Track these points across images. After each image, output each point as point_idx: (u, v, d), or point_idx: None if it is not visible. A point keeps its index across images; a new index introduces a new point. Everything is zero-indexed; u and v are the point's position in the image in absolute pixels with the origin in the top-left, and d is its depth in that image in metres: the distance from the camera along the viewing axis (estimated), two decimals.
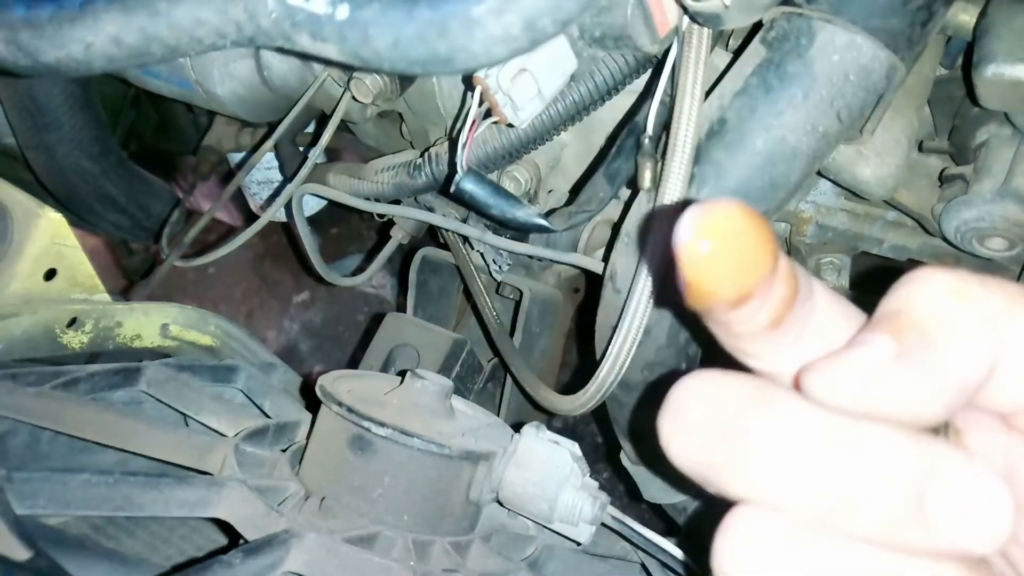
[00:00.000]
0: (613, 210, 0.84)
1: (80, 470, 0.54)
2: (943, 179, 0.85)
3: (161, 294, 1.04)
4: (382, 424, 0.60)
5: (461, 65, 0.44)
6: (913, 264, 0.94)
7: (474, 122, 0.64)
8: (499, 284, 1.08)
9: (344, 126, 1.11)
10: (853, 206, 0.98)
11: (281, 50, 0.45)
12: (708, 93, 0.66)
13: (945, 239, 0.83)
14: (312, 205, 1.39)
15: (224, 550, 0.56)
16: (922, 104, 0.82)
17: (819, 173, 0.80)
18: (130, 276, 1.49)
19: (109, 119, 1.22)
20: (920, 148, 0.87)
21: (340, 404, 0.61)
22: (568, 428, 1.56)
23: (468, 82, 0.64)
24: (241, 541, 0.57)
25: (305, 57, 0.87)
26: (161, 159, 1.47)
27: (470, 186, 0.67)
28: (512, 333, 1.04)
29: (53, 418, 0.64)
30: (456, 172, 0.68)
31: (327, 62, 0.75)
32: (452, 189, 0.68)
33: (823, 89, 0.60)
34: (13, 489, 0.50)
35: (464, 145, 0.65)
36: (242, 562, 0.51)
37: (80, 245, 0.80)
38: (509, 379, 1.10)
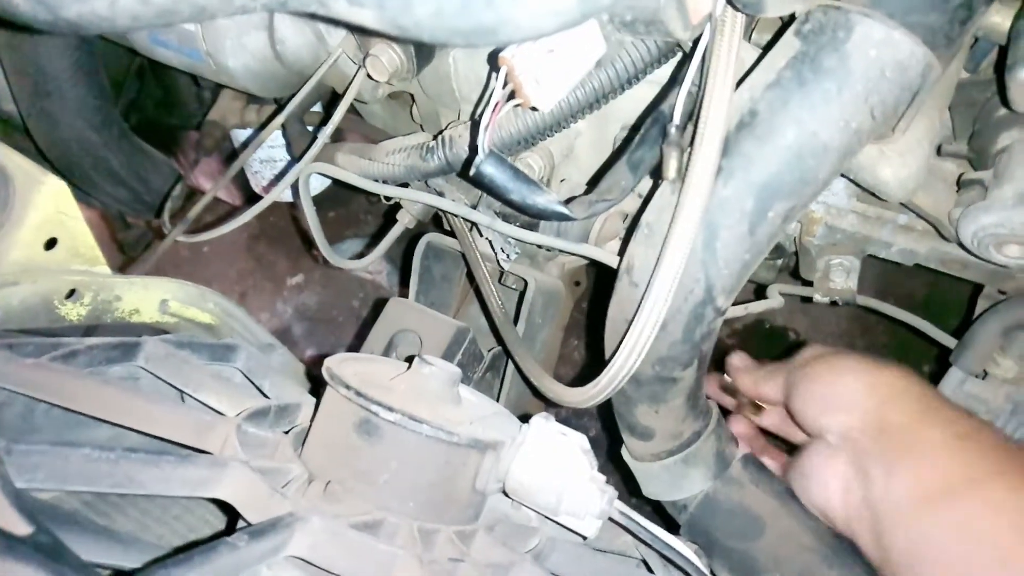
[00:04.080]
0: (627, 202, 0.82)
1: (80, 445, 0.52)
2: (961, 184, 0.84)
3: (154, 271, 1.02)
4: (391, 409, 0.58)
5: (505, 37, 0.42)
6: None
7: (497, 103, 0.62)
8: (502, 273, 1.06)
9: (351, 107, 1.09)
10: (864, 208, 0.97)
11: (314, 16, 0.43)
12: (737, 85, 0.64)
13: (961, 244, 0.82)
14: (313, 187, 1.37)
15: (224, 532, 0.55)
16: (945, 106, 0.81)
17: None
18: (126, 250, 1.47)
19: (112, 90, 1.19)
20: (939, 152, 0.86)
21: (348, 387, 0.60)
22: (561, 422, 1.55)
23: (493, 62, 0.62)
24: (240, 523, 0.56)
25: (329, 22, 0.85)
26: (163, 133, 1.44)
27: (490, 169, 0.66)
28: (515, 323, 1.03)
29: (51, 390, 0.62)
30: (475, 154, 0.66)
31: (359, 30, 0.73)
32: (472, 172, 0.66)
33: (858, 84, 0.59)
34: (12, 462, 0.48)
35: (486, 127, 0.63)
36: (247, 545, 0.49)
37: None
38: (509, 369, 1.08)
